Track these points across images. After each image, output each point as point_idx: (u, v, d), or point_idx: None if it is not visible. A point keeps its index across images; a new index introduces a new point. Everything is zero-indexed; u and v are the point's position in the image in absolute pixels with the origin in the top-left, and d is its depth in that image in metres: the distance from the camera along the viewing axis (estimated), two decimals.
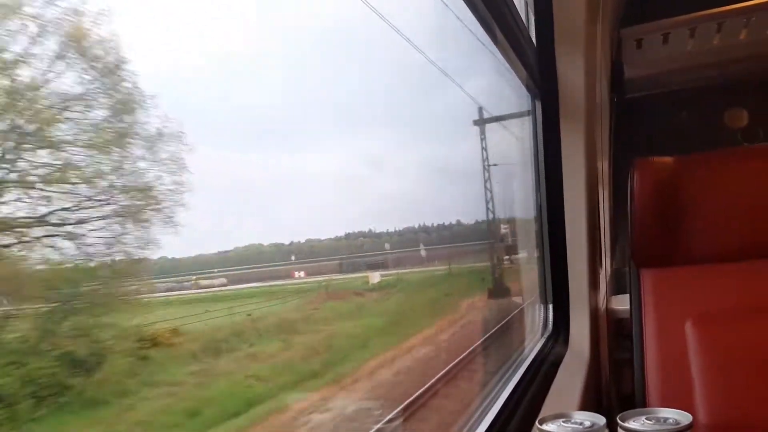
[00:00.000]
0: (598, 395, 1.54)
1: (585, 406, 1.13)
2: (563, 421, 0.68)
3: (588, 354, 1.43)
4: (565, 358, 1.35)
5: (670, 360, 1.28)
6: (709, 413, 1.19)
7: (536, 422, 0.68)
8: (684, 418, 0.65)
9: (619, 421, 0.67)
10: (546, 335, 1.46)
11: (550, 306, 1.49)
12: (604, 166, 3.19)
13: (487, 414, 0.91)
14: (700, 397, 1.22)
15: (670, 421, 0.66)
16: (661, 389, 1.28)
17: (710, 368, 1.23)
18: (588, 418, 0.68)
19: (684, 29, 2.83)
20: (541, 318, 1.51)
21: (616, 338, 1.85)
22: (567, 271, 1.47)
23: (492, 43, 1.24)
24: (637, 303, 1.39)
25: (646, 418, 0.67)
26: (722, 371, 1.23)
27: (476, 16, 1.11)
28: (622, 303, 1.88)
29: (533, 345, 1.40)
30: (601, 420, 0.67)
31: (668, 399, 1.25)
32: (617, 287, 2.56)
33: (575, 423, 0.68)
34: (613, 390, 1.70)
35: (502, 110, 1.73)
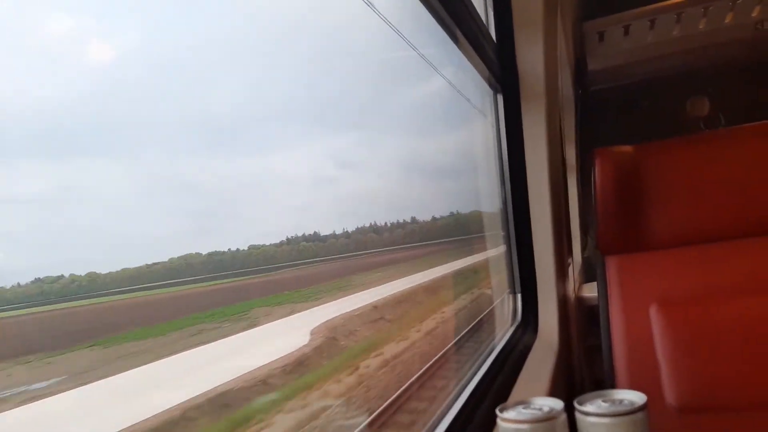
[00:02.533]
0: (569, 381, 1.58)
1: (554, 392, 1.15)
2: (522, 408, 0.70)
3: (557, 341, 1.45)
4: (534, 346, 1.38)
5: (636, 344, 1.31)
6: (675, 394, 1.23)
7: (496, 410, 0.69)
8: (638, 398, 0.67)
9: (576, 405, 0.69)
10: (515, 324, 1.48)
11: (519, 296, 1.52)
12: (571, 157, 3.25)
13: (455, 403, 0.92)
14: (666, 379, 1.25)
15: (625, 402, 0.67)
16: (628, 373, 1.31)
17: (674, 350, 1.27)
18: (547, 403, 0.70)
19: (644, 21, 2.90)
20: (510, 308, 1.53)
21: (588, 325, 1.89)
22: (534, 261, 1.50)
23: (452, 41, 1.26)
24: (603, 290, 1.43)
25: (602, 400, 0.69)
26: (686, 353, 1.26)
27: (433, 15, 1.12)
28: (592, 291, 1.92)
29: (502, 334, 1.42)
30: (559, 404, 0.68)
31: (636, 382, 1.29)
32: (589, 275, 2.61)
33: (534, 408, 0.69)
34: (586, 375, 1.74)
35: (464, 104, 1.75)
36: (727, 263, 1.34)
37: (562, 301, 1.56)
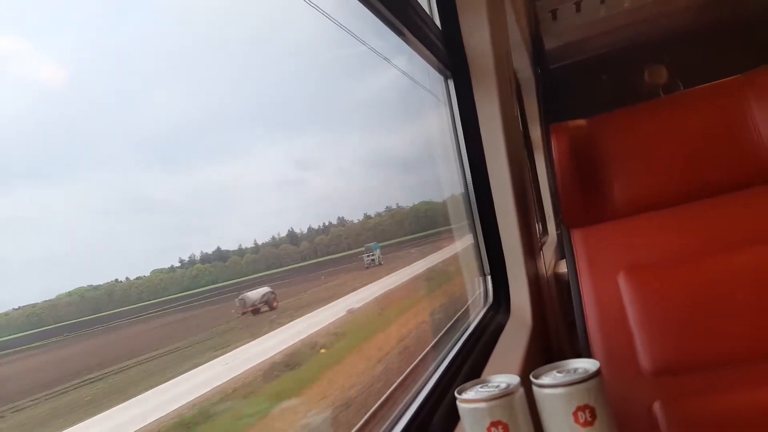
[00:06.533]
0: (548, 358, 1.59)
1: (528, 370, 1.16)
2: (480, 387, 0.70)
3: (530, 319, 1.46)
4: (507, 326, 1.38)
5: (608, 312, 1.33)
6: (649, 358, 1.24)
7: (455, 392, 0.69)
8: (592, 365, 0.68)
9: (531, 378, 0.69)
10: (486, 306, 1.49)
11: (489, 278, 1.52)
12: (536, 136, 3.28)
13: (422, 390, 0.92)
14: (640, 345, 1.27)
15: (580, 370, 0.68)
16: (603, 342, 1.33)
17: (645, 315, 1.29)
18: (504, 380, 0.70)
19: None
20: (482, 290, 1.54)
21: (567, 300, 1.90)
22: (500, 242, 1.50)
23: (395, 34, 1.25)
24: (571, 263, 1.44)
25: (557, 372, 0.69)
26: (656, 317, 1.28)
27: (373, 12, 1.12)
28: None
29: (474, 317, 1.42)
30: (515, 380, 0.69)
31: (610, 350, 1.30)
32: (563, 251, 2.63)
33: (492, 386, 0.69)
34: (568, 350, 1.75)
35: (414, 92, 1.75)
36: (690, 225, 1.36)
37: (534, 279, 1.57)
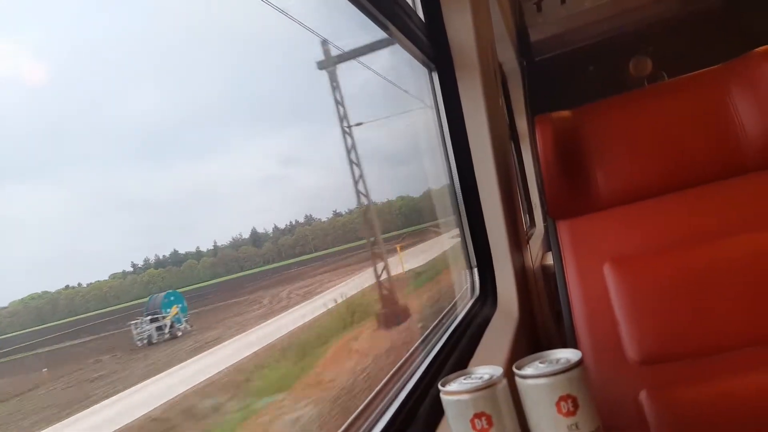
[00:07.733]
0: (534, 349, 1.59)
1: (514, 361, 1.16)
2: (464, 379, 0.70)
3: (517, 311, 1.46)
4: (493, 318, 1.39)
5: (594, 303, 1.33)
6: (636, 349, 1.25)
7: (438, 384, 0.69)
8: (574, 355, 0.68)
9: (514, 369, 0.69)
10: (473, 299, 1.49)
11: (475, 270, 1.52)
12: (523, 127, 3.28)
13: (407, 383, 0.92)
14: (626, 335, 1.27)
15: (562, 360, 0.68)
16: (589, 333, 1.33)
17: (630, 305, 1.29)
18: (488, 371, 0.70)
19: None
20: (468, 283, 1.54)
21: (555, 291, 1.91)
22: (487, 235, 1.50)
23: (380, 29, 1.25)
24: (557, 254, 1.45)
25: (540, 362, 0.70)
26: (641, 306, 1.28)
27: (356, 5, 1.11)
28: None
29: (461, 309, 1.43)
30: (498, 371, 0.69)
31: (596, 340, 1.31)
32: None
33: (475, 378, 0.69)
34: (557, 341, 1.76)
35: (407, 84, 1.74)
36: (674, 215, 1.37)
37: (520, 271, 1.58)
